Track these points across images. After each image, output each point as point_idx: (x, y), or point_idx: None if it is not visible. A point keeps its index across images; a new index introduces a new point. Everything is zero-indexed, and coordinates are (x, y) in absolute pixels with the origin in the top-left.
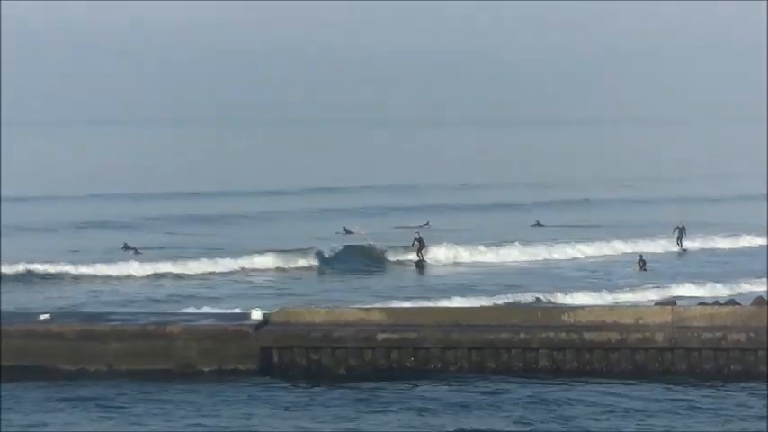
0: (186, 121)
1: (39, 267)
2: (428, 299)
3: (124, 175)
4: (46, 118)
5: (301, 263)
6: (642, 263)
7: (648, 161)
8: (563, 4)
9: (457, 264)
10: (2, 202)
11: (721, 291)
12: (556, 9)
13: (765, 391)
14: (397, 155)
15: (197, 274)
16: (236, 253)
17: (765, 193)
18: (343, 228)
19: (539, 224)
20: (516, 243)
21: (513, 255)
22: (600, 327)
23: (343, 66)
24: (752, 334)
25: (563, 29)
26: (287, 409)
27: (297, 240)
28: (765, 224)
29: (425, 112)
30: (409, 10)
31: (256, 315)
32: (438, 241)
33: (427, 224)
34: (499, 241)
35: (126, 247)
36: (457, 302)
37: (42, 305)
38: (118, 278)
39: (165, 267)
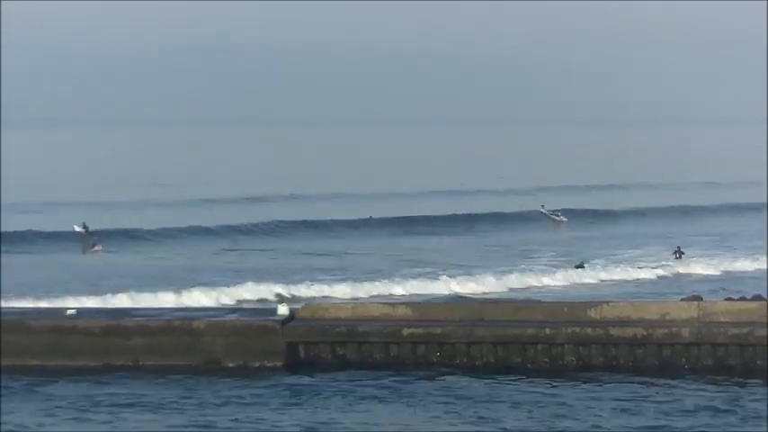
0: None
1: None
2: None
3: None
4: None
5: None
6: (679, 253)
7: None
8: (562, 4)
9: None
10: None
11: None
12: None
13: None
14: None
15: None
16: None
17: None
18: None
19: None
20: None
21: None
22: (625, 322)
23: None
24: None
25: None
26: (311, 404)
27: None
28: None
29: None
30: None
31: (282, 310)
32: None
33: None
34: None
35: (85, 228)
36: None
37: None
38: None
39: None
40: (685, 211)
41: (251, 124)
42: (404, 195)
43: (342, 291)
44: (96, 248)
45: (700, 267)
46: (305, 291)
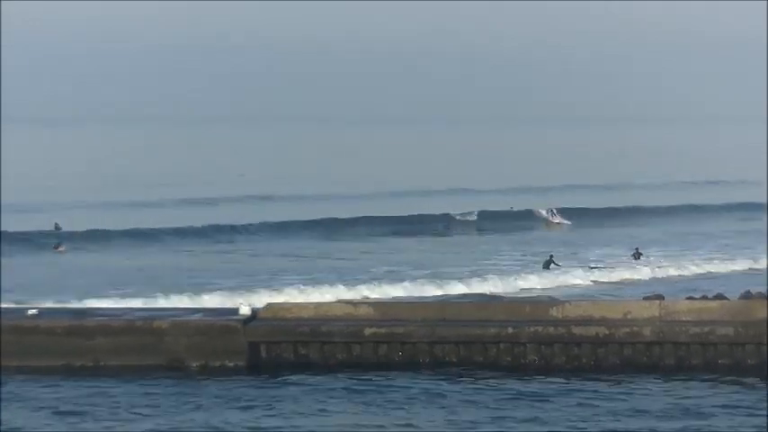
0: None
1: None
2: None
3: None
4: None
5: None
6: (638, 254)
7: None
8: (562, 4)
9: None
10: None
11: None
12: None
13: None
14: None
15: None
16: None
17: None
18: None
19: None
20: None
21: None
22: (588, 321)
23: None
24: (740, 328)
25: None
26: (269, 404)
27: None
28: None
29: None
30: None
31: (244, 310)
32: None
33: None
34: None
35: (57, 228)
36: None
37: None
38: None
39: None
40: (683, 211)
41: (251, 123)
42: (402, 194)
43: (320, 295)
44: (61, 249)
45: (662, 268)
46: (284, 295)
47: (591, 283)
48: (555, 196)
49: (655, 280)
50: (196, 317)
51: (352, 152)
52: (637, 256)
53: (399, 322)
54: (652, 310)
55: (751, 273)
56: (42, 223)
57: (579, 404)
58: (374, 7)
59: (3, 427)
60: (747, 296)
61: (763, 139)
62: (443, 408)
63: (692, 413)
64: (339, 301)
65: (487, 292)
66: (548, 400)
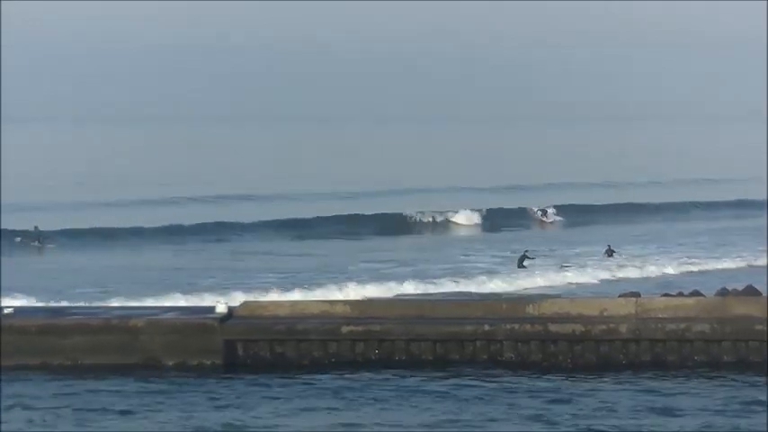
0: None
1: None
2: None
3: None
4: None
5: None
6: (610, 251)
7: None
8: (562, 4)
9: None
10: None
11: None
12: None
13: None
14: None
15: None
16: None
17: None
18: None
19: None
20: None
21: None
22: (564, 318)
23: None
24: (716, 325)
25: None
26: (248, 403)
27: None
28: None
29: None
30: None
31: (221, 308)
32: None
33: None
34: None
35: (36, 230)
36: None
37: None
38: None
39: None
40: (682, 208)
41: (251, 123)
42: (403, 193)
43: (310, 293)
44: (44, 245)
45: (633, 267)
46: (275, 294)
47: (597, 282)
48: (554, 194)
49: (651, 278)
50: (172, 315)
51: (353, 152)
52: (609, 253)
53: (376, 320)
54: (628, 307)
55: (749, 270)
56: (24, 223)
57: (556, 401)
58: (374, 7)
59: None
60: (723, 293)
61: (764, 139)
62: (420, 405)
63: (668, 410)
64: (316, 300)
65: (489, 291)
66: (524, 398)
